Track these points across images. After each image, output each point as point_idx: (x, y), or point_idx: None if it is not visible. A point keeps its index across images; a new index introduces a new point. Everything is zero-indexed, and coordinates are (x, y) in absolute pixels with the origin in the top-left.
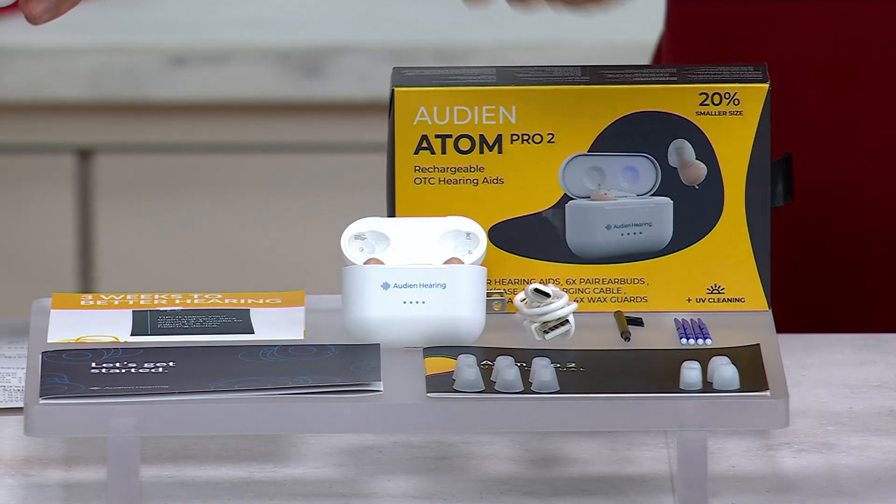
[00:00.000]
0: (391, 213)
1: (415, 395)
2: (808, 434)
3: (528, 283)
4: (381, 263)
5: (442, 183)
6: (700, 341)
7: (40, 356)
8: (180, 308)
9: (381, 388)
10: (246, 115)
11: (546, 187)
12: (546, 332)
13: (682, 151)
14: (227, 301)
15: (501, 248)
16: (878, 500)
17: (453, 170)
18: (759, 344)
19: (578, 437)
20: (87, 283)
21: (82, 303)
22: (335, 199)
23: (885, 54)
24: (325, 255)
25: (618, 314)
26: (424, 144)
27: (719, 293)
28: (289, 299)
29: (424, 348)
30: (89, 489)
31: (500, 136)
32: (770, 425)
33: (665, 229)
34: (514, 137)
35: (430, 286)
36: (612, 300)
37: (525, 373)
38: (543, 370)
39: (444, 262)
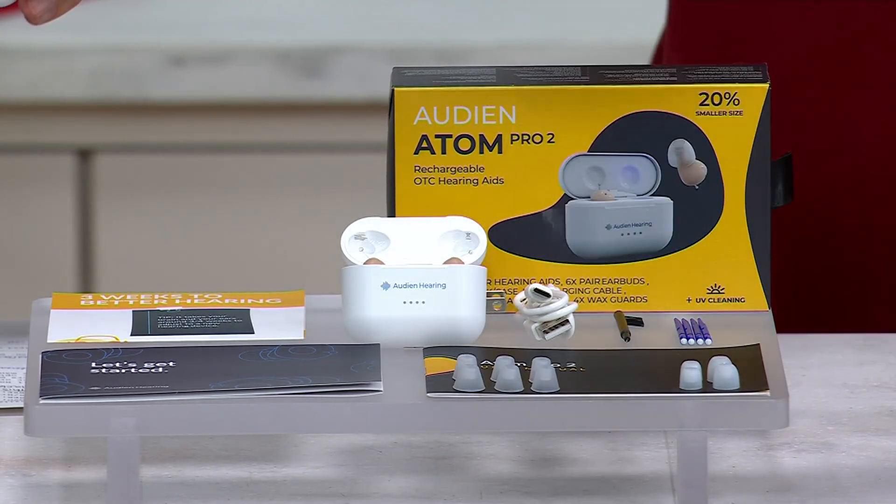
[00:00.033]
0: (391, 213)
1: (415, 395)
2: (808, 434)
3: (528, 283)
4: (381, 263)
5: (442, 183)
6: (700, 341)
7: (40, 356)
8: (180, 308)
9: (381, 388)
10: (246, 115)
11: (546, 187)
12: (546, 332)
13: (682, 151)
14: (227, 301)
15: (501, 248)
16: (878, 500)
17: (453, 170)
18: (759, 344)
19: (578, 437)
20: (87, 283)
21: (82, 303)
22: (335, 199)
23: (885, 54)
24: (325, 255)
25: (618, 314)
26: (424, 144)
27: (719, 293)
28: (289, 299)
29: (424, 348)
30: (89, 489)
31: (500, 136)
32: (770, 425)
33: (665, 229)
34: (514, 137)
35: (430, 286)
36: (612, 300)
37: (525, 373)
38: (543, 370)
39: (444, 262)
